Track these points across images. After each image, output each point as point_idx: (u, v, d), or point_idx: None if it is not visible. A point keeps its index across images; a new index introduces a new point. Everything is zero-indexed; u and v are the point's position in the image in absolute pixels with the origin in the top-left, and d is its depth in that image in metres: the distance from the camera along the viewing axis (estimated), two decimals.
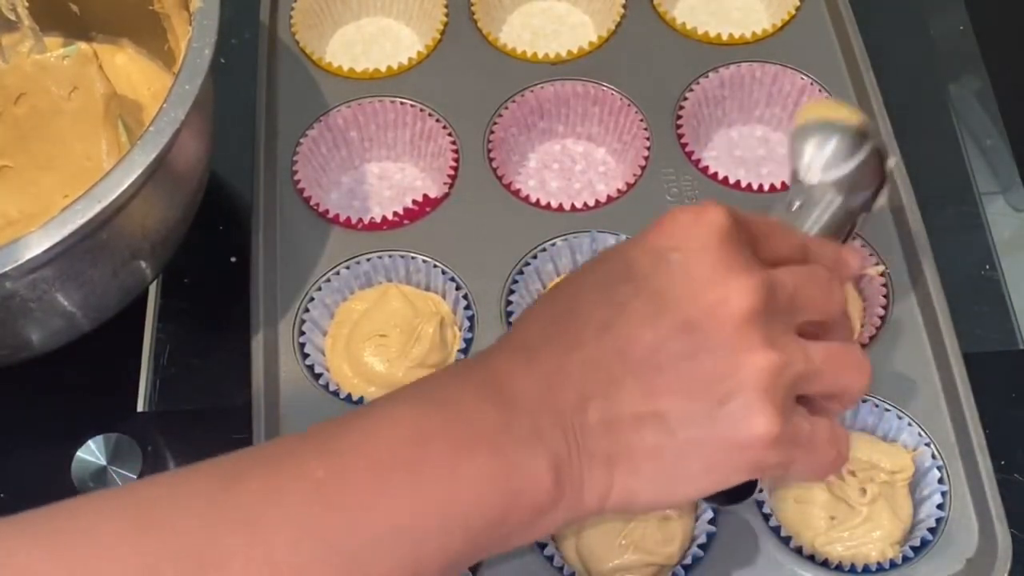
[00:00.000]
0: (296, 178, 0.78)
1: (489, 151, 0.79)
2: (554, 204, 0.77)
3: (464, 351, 0.71)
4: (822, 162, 0.57)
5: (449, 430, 0.43)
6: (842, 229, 0.57)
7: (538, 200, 0.77)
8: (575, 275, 0.50)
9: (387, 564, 0.40)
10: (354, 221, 0.76)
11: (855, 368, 0.48)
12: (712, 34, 0.83)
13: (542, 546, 0.64)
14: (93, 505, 0.40)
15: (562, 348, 0.45)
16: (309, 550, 0.38)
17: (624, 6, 0.85)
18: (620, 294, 0.46)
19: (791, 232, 0.53)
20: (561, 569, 0.63)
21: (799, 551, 0.64)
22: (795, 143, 0.59)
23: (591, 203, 0.76)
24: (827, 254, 0.52)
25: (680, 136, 0.79)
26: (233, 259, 0.81)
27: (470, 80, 0.82)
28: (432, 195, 0.78)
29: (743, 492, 0.48)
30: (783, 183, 0.76)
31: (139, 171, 0.57)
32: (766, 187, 0.76)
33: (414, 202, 0.77)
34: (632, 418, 0.44)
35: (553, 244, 0.74)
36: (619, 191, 0.77)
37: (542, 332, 0.47)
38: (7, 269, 0.54)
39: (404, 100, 0.81)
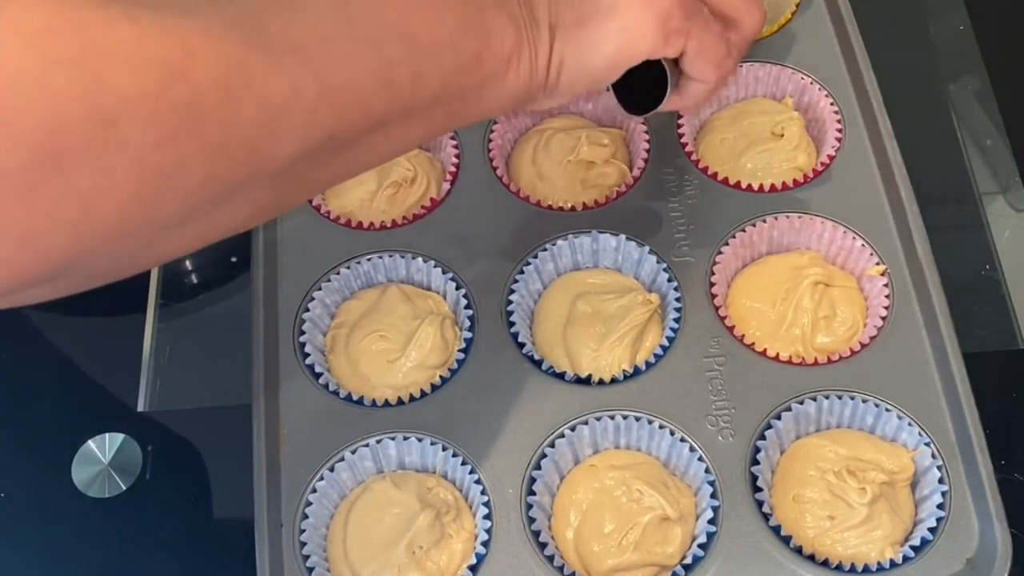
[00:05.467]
0: None
1: (489, 151, 0.79)
2: (554, 204, 0.77)
3: (464, 350, 0.71)
4: None
5: None
6: None
7: (539, 200, 0.77)
8: None
9: (395, 54, 0.46)
10: (354, 222, 0.76)
11: (752, 4, 0.62)
12: None
13: (542, 545, 0.64)
14: None
15: None
16: (334, 24, 0.44)
17: None
18: None
19: None
20: (561, 569, 0.63)
21: (799, 551, 0.64)
22: None
23: (590, 203, 0.76)
24: None
25: (680, 136, 0.79)
26: (233, 259, 0.81)
27: None
28: (433, 195, 0.78)
29: (654, 97, 0.61)
30: (783, 183, 0.76)
31: None
32: (766, 187, 0.76)
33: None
34: None
35: (554, 243, 0.74)
36: (619, 191, 0.77)
37: None
38: None
39: None
